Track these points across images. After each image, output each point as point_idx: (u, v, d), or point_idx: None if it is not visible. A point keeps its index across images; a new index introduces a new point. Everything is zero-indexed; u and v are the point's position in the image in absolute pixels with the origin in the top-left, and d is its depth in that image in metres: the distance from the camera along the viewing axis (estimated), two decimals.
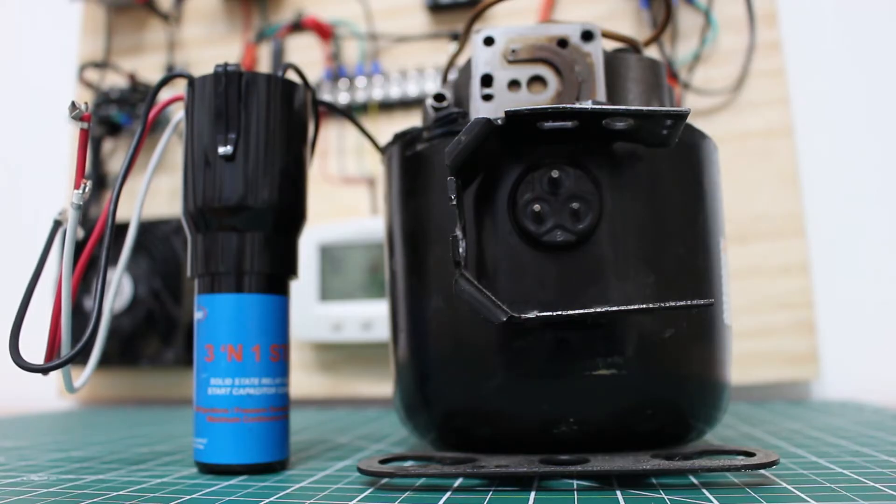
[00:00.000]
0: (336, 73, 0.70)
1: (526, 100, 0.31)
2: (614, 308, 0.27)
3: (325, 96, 0.69)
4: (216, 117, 0.32)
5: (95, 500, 0.26)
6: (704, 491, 0.25)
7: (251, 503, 0.25)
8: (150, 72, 0.76)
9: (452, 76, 0.36)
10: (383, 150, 0.36)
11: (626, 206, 0.29)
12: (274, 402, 0.31)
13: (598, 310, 0.27)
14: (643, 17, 0.65)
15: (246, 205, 0.31)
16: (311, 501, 0.25)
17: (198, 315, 0.32)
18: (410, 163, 0.33)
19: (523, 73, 0.32)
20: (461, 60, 0.36)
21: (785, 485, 0.26)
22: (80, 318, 0.55)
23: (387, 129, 0.66)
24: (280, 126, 0.32)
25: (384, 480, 0.28)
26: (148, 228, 0.68)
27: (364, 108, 0.69)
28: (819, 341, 0.60)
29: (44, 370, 0.28)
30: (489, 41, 0.32)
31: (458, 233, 0.27)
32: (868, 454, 0.31)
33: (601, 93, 0.31)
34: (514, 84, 0.32)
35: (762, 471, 0.28)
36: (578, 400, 0.29)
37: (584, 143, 0.29)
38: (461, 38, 0.36)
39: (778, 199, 0.61)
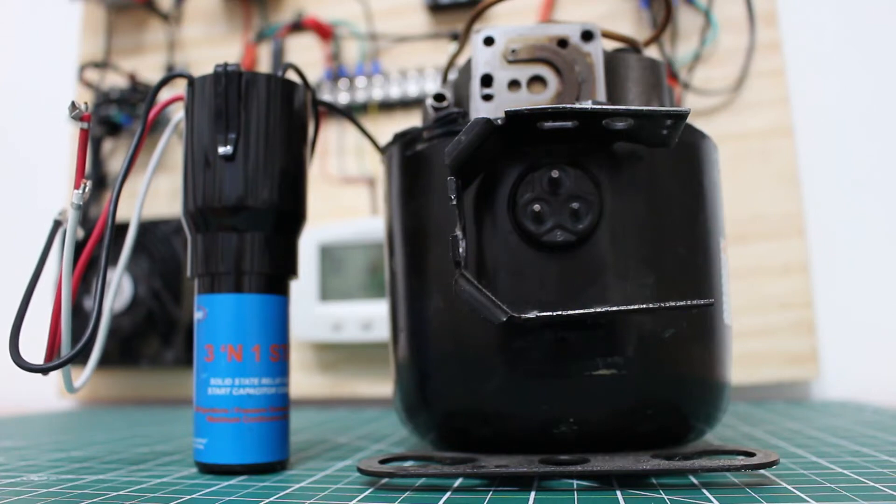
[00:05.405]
0: (336, 73, 0.70)
1: (526, 100, 0.31)
2: (614, 308, 0.27)
3: (325, 96, 0.69)
4: (216, 117, 0.32)
5: (95, 500, 0.26)
6: (704, 491, 0.25)
7: (251, 503, 0.25)
8: (150, 72, 0.76)
9: (452, 76, 0.36)
10: (383, 150, 0.36)
11: (626, 206, 0.29)
12: (274, 402, 0.31)
13: (598, 310, 0.27)
14: (643, 17, 0.65)
15: (246, 205, 0.31)
16: (311, 501, 0.25)
17: (198, 315, 0.32)
18: (410, 163, 0.33)
19: (523, 73, 0.32)
20: (461, 60, 0.36)
21: (785, 485, 0.26)
22: (80, 318, 0.55)
23: (387, 129, 0.66)
24: (280, 126, 0.32)
25: (384, 480, 0.28)
26: (148, 228, 0.68)
27: (364, 108, 0.69)
28: (819, 341, 0.60)
29: (44, 370, 0.28)
30: (489, 41, 0.32)
31: (458, 233, 0.27)
32: (868, 454, 0.31)
33: (601, 93, 0.31)
34: (514, 84, 0.32)
35: (762, 471, 0.28)
36: (578, 400, 0.29)
37: (584, 143, 0.29)
38: (461, 38, 0.36)
39: (777, 198, 0.61)
